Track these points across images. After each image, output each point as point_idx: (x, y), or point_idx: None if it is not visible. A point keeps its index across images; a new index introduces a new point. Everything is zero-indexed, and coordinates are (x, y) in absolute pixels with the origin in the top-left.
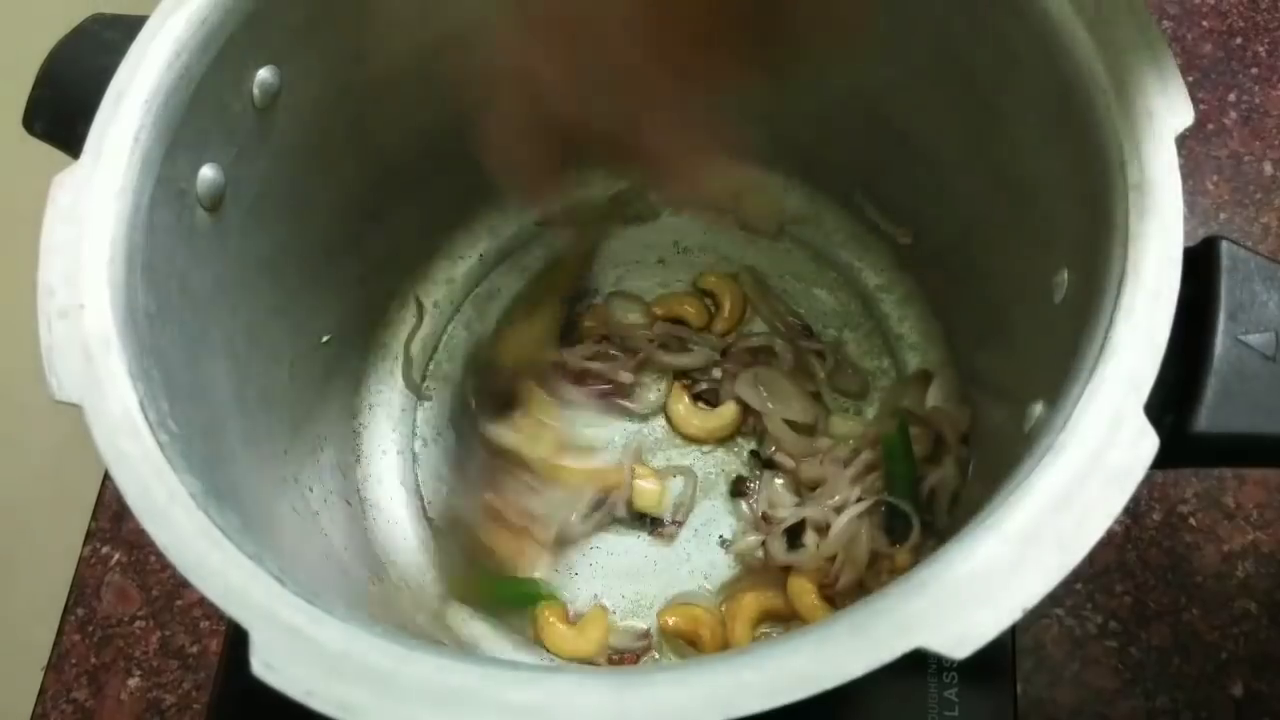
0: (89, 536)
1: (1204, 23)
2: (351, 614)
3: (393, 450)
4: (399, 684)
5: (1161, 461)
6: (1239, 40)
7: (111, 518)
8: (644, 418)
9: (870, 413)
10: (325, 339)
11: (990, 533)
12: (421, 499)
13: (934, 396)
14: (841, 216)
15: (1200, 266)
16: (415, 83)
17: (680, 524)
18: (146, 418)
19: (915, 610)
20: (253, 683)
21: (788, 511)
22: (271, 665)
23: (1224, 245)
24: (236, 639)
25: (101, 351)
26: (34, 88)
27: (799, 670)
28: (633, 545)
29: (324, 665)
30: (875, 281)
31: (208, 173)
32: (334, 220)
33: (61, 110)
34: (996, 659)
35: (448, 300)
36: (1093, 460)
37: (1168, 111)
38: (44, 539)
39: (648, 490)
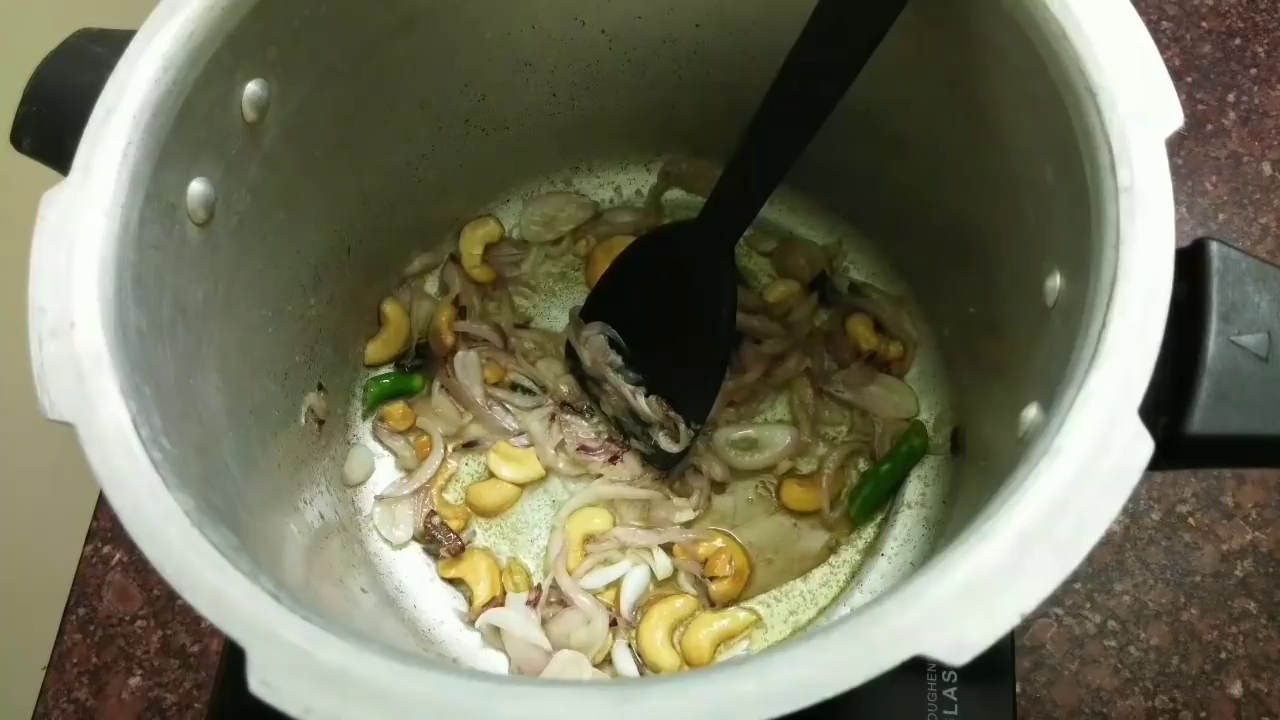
0: (90, 536)
1: (1203, 23)
2: (349, 630)
3: (388, 463)
4: (397, 700)
5: (1156, 464)
6: (1238, 41)
7: (113, 517)
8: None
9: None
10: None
11: (987, 538)
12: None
13: None
14: (828, 219)
15: (1191, 268)
16: (405, 93)
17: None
18: (139, 435)
19: (912, 618)
20: None
21: None
22: (269, 683)
23: (1214, 246)
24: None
25: (93, 369)
26: (21, 104)
27: (797, 680)
28: None
29: (322, 682)
30: (864, 284)
31: (197, 187)
32: (325, 232)
33: (49, 126)
34: (996, 659)
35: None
36: (1088, 464)
37: (1158, 114)
38: (45, 538)
39: None
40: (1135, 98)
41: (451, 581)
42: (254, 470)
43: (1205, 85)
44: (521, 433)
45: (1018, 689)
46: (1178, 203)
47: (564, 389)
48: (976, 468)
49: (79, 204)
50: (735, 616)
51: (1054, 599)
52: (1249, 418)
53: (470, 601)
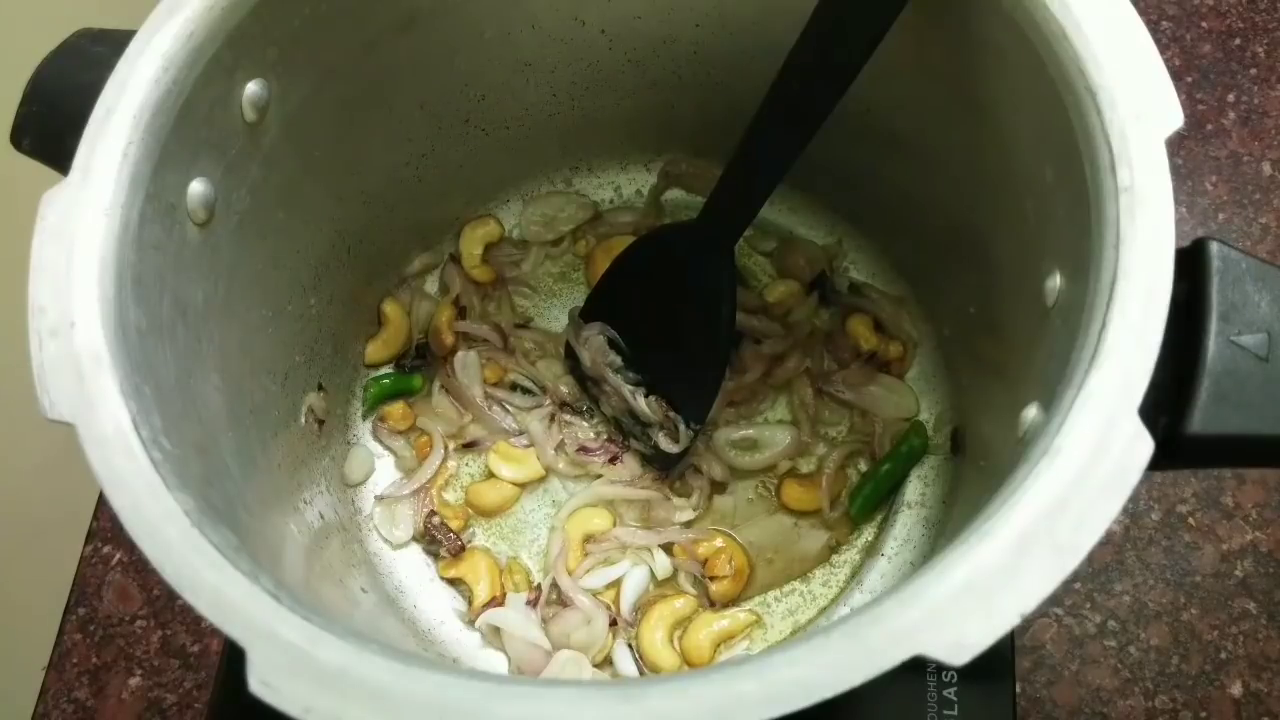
0: (90, 536)
1: (1203, 23)
2: (349, 630)
3: (388, 463)
4: (397, 700)
5: (1156, 464)
6: (1238, 41)
7: (113, 517)
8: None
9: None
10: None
11: (987, 538)
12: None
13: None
14: (828, 219)
15: (1191, 268)
16: (405, 93)
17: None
18: (139, 435)
19: (912, 618)
20: None
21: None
22: (269, 683)
23: (1214, 246)
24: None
25: (93, 369)
26: (21, 104)
27: (797, 680)
28: None
29: (322, 682)
30: (864, 284)
31: (197, 187)
32: (325, 232)
33: (49, 126)
34: (996, 659)
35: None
36: (1088, 464)
37: (1158, 114)
38: (45, 538)
39: None
40: (1135, 98)
41: (451, 581)
42: (254, 470)
43: (1205, 85)
44: (521, 433)
45: (1018, 689)
46: (1178, 203)
47: (564, 389)
48: (976, 468)
49: (79, 204)
50: (735, 617)
51: (1054, 599)
52: (1249, 418)
53: (470, 601)
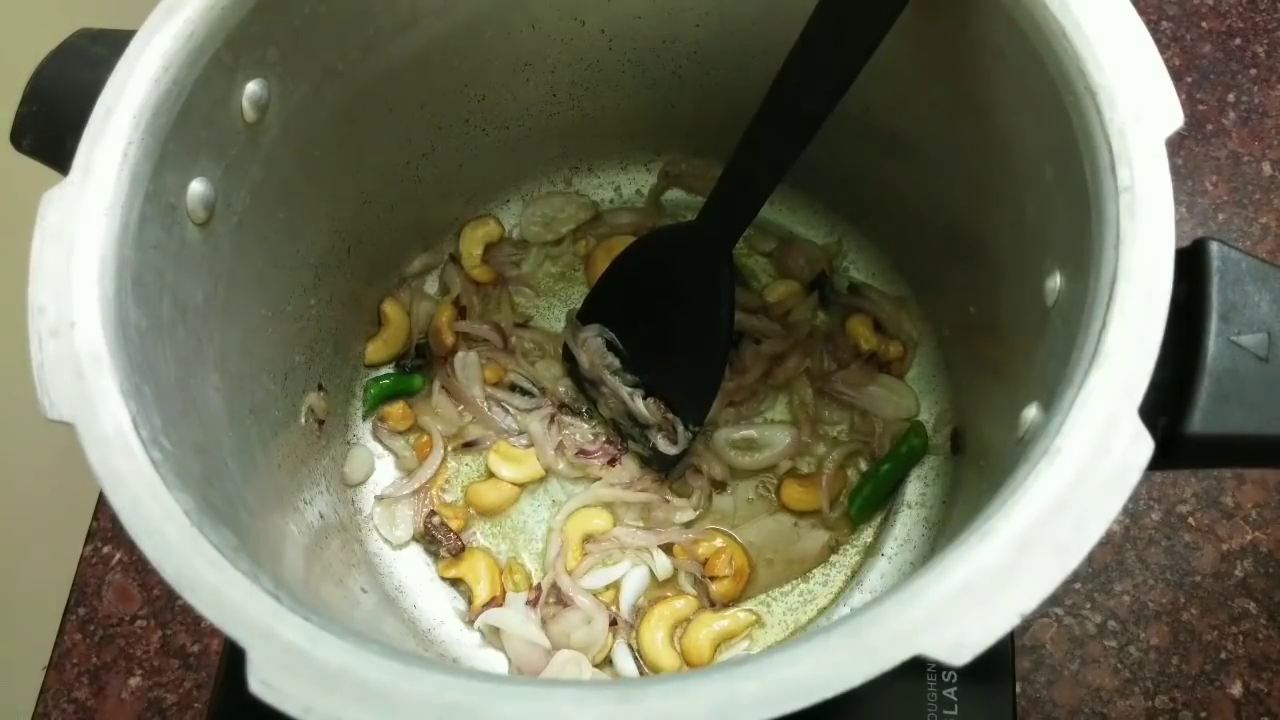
0: (90, 536)
1: (1203, 23)
2: (349, 630)
3: (388, 463)
4: (397, 700)
5: (1156, 464)
6: (1238, 41)
7: (113, 517)
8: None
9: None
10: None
11: (987, 539)
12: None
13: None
14: (828, 219)
15: (1191, 268)
16: (405, 93)
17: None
18: (139, 435)
19: (913, 618)
20: None
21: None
22: (269, 683)
23: (1214, 246)
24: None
25: (93, 369)
26: (21, 104)
27: (797, 680)
28: None
29: (322, 682)
30: (864, 284)
31: (197, 187)
32: (325, 232)
33: (49, 126)
34: (996, 658)
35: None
36: (1088, 464)
37: (1157, 114)
38: (45, 538)
39: None
40: (1135, 98)
41: (451, 581)
42: (254, 470)
43: (1205, 85)
44: (521, 433)
45: (1018, 689)
46: (1178, 203)
47: (562, 390)
48: (976, 468)
49: (79, 204)
50: (735, 617)
51: (1054, 599)
52: (1249, 418)
53: (470, 601)
